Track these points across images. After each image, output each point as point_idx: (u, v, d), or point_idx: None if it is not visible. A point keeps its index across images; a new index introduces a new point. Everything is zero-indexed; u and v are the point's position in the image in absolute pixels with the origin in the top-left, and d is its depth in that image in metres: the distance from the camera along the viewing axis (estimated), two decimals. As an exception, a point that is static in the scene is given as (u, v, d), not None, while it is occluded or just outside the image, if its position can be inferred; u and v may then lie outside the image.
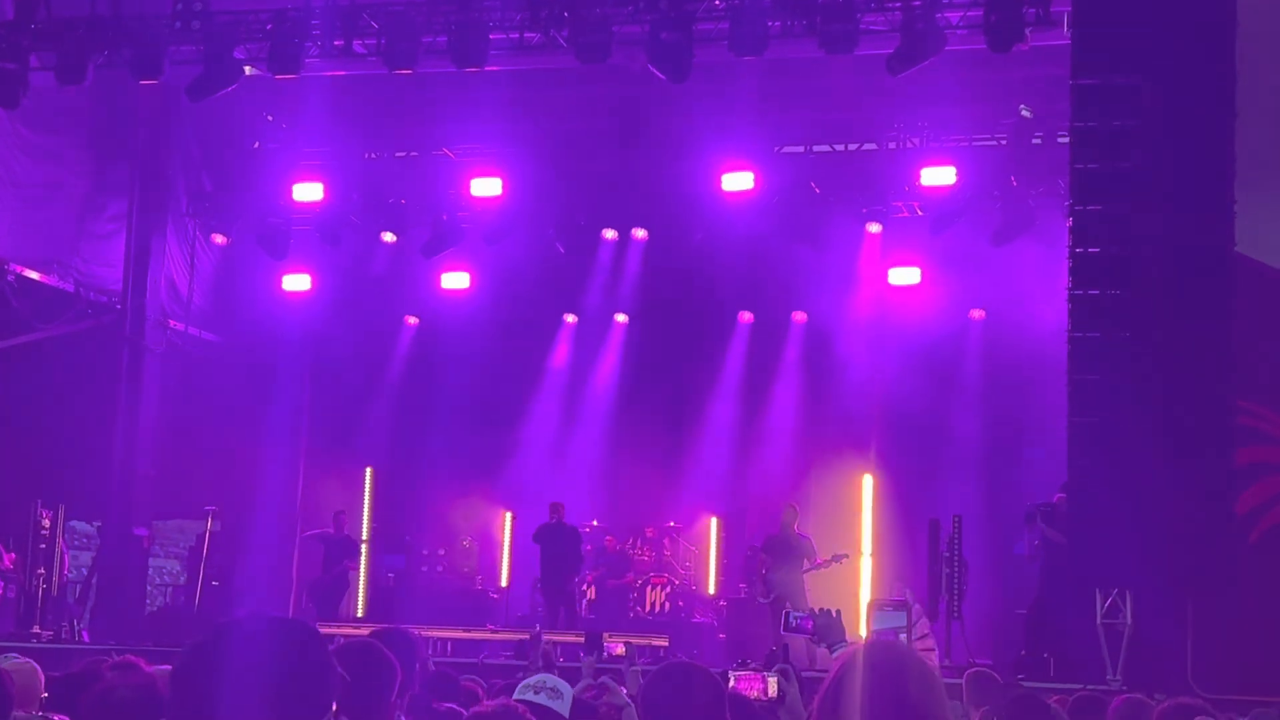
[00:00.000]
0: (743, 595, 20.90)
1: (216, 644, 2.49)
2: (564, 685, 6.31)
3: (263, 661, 2.45)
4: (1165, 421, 14.35)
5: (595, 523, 22.78)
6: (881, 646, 3.71)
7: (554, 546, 20.38)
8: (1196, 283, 14.57)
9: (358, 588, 23.44)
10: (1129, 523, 14.22)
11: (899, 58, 16.49)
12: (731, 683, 5.48)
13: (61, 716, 4.95)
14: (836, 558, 19.50)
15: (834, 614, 5.94)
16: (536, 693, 6.14)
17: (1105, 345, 14.65)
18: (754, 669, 6.00)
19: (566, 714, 6.18)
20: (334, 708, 2.51)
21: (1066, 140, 16.26)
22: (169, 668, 2.53)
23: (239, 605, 20.41)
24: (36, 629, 19.73)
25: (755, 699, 5.51)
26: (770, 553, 19.30)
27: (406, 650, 6.31)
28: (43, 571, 20.58)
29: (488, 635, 19.71)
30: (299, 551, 23.17)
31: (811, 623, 5.88)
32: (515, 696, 6.26)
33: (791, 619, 6.01)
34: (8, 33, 17.88)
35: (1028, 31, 16.25)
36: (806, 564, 19.27)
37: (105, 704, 4.49)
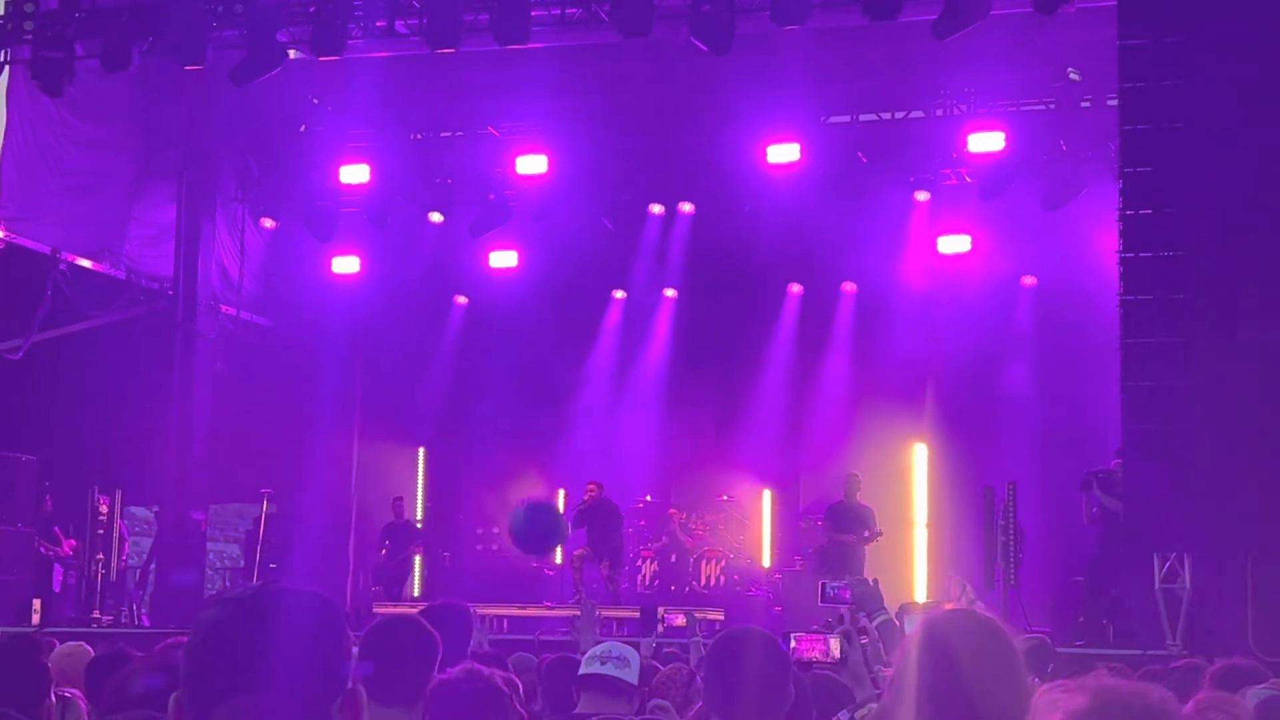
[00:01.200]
0: (798, 567, 20.86)
1: (230, 614, 2.47)
2: (631, 653, 6.26)
3: (276, 631, 2.42)
4: (1220, 383, 14.21)
5: (649, 498, 22.79)
6: (943, 618, 3.64)
7: (595, 523, 20.11)
8: (1249, 242, 14.40)
9: (413, 566, 23.54)
10: (1186, 486, 14.10)
11: (944, 22, 16.32)
12: (792, 644, 5.44)
13: (73, 690, 5.00)
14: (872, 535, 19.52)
15: (872, 582, 5.89)
16: (603, 663, 6.11)
17: (1158, 308, 14.51)
18: (815, 630, 5.96)
19: (635, 682, 6.15)
20: (349, 682, 2.48)
21: (1115, 103, 16.10)
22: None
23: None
24: (96, 614, 19.91)
25: (816, 660, 5.47)
26: (833, 520, 19.36)
27: (459, 624, 6.30)
28: (101, 557, 20.77)
29: (544, 612, 19.74)
30: (355, 533, 23.24)
31: (849, 591, 5.82)
32: (583, 670, 6.23)
33: (829, 589, 5.97)
34: (52, 22, 17.95)
35: (1074, -8, 16.07)
36: (866, 534, 19.27)
37: (125, 687, 4.49)
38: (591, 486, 20.02)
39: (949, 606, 5.83)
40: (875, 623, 5.55)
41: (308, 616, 2.46)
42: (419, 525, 23.50)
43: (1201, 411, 14.20)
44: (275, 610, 2.45)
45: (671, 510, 22.23)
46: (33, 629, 11.63)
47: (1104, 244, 16.88)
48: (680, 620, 16.43)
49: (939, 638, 3.47)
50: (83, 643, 7.04)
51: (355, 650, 4.53)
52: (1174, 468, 14.22)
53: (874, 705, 5.01)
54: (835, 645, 5.39)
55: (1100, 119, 19.31)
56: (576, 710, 6.18)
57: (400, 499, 22.67)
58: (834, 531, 19.31)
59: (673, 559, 21.93)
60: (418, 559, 23.29)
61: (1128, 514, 15.25)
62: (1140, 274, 14.65)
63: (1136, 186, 14.84)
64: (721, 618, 18.51)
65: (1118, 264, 14.87)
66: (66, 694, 5.47)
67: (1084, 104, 20.37)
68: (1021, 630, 15.60)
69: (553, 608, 19.94)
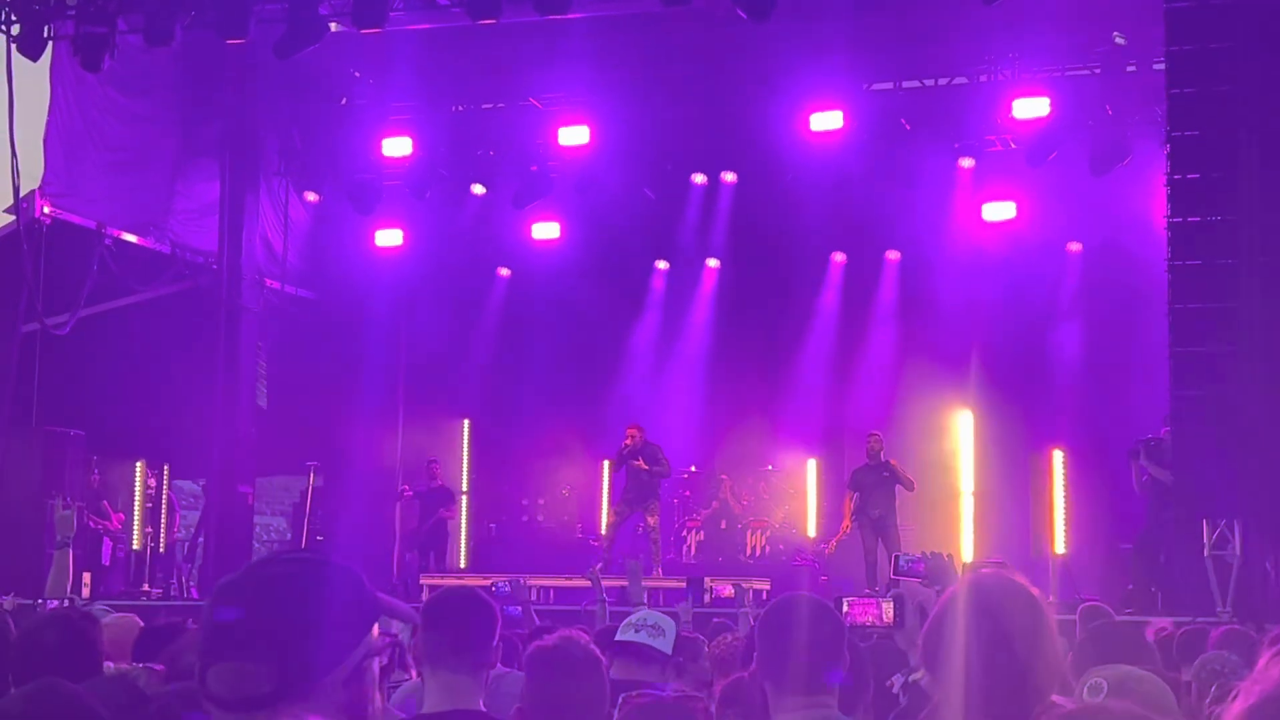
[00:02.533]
0: (843, 536, 20.82)
1: (244, 582, 2.54)
2: (666, 621, 6.26)
3: (276, 596, 2.50)
4: (1269, 348, 14.08)
5: (693, 468, 22.78)
6: (987, 580, 3.63)
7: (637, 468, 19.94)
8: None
9: (459, 538, 23.61)
10: (1235, 452, 13.99)
11: (988, -13, 16.20)
12: (845, 608, 5.41)
13: (158, 665, 5.02)
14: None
15: (946, 557, 5.77)
16: (638, 631, 6.12)
17: (1206, 273, 14.39)
18: (869, 594, 5.92)
19: (669, 651, 6.15)
20: (366, 650, 2.54)
21: (1162, 67, 15.94)
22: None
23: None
24: (146, 587, 20.08)
25: (870, 625, 5.45)
26: (857, 486, 19.11)
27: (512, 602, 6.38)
28: (150, 530, 20.93)
29: (589, 583, 19.74)
30: (401, 505, 23.31)
31: (923, 565, 5.76)
32: (618, 637, 6.23)
33: (902, 562, 5.91)
34: (95, -2, 18.01)
35: (1119, -45, 15.92)
36: (900, 490, 18.91)
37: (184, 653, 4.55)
38: (633, 430, 19.78)
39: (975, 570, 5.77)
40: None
41: (314, 585, 2.53)
42: (462, 493, 23.48)
43: (1250, 376, 14.07)
44: (281, 577, 2.54)
45: (723, 476, 22.21)
46: (83, 602, 11.73)
47: (1151, 209, 16.75)
48: (728, 591, 16.41)
49: (986, 604, 3.44)
50: (133, 614, 7.07)
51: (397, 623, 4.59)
52: (1223, 433, 14.11)
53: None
54: (888, 609, 5.37)
55: (1147, 83, 19.12)
56: (610, 676, 6.19)
57: (434, 461, 22.65)
58: (859, 496, 18.99)
59: (722, 525, 21.89)
60: (461, 527, 23.35)
61: (1177, 480, 15.13)
62: (1188, 239, 14.52)
63: (1184, 151, 14.69)
64: (768, 588, 18.49)
65: (1165, 229, 14.74)
66: (112, 666, 5.49)
67: (1130, 68, 20.18)
68: (1073, 598, 15.56)
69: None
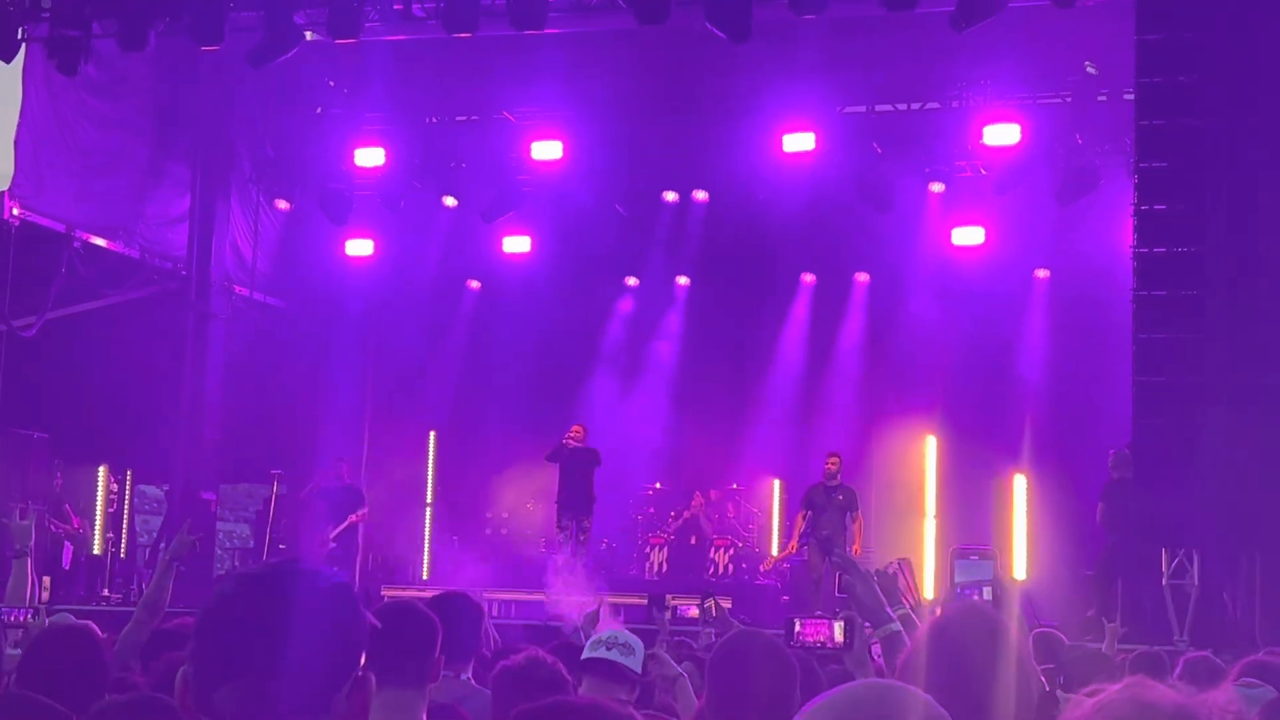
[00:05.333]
0: (805, 557, 20.84)
1: (241, 592, 2.45)
2: (635, 640, 6.28)
3: (286, 613, 2.40)
4: (1233, 379, 14.19)
5: (658, 485, 22.79)
6: (950, 619, 3.67)
7: (570, 468, 19.73)
8: (1264, 239, 14.38)
9: (422, 550, 23.55)
10: (1195, 482, 14.09)
11: (962, 14, 16.27)
12: (797, 628, 5.43)
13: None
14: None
15: (891, 572, 5.74)
16: (609, 649, 6.13)
17: (1171, 303, 14.50)
18: (819, 615, 5.94)
19: (639, 669, 6.16)
20: (362, 662, 2.47)
21: (1132, 98, 16.06)
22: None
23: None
24: (106, 592, 19.98)
25: (820, 645, 5.46)
26: (810, 505, 18.97)
27: (470, 613, 6.37)
28: (111, 535, 20.83)
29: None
30: (305, 500, 22.36)
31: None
32: (585, 654, 6.25)
33: (846, 580, 5.91)
34: (70, 0, 17.96)
35: (1092, -14, 16.03)
36: (849, 517, 18.71)
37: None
38: (576, 429, 19.54)
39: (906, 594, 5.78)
40: (877, 634, 5.39)
41: (320, 599, 2.43)
42: (362, 491, 21.68)
43: (1213, 408, 14.18)
44: (287, 591, 2.42)
45: (697, 492, 22.10)
46: (43, 606, 11.67)
47: (1118, 239, 16.86)
48: (693, 611, 16.37)
49: (947, 634, 3.49)
50: (90, 622, 7.06)
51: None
52: (1184, 464, 14.21)
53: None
54: (839, 630, 5.39)
55: (1116, 113, 19.28)
56: (579, 695, 6.20)
57: (343, 459, 21.23)
58: (810, 516, 18.83)
59: (692, 540, 21.81)
60: (425, 538, 23.24)
61: (1137, 509, 15.23)
62: (1154, 269, 14.64)
63: (1151, 181, 14.82)
64: (729, 606, 18.44)
65: (1132, 259, 14.85)
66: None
67: (1100, 98, 20.34)
68: (1031, 623, 15.62)
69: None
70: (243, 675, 2.37)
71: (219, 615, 2.43)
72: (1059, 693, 4.46)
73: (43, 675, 4.84)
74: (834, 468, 18.93)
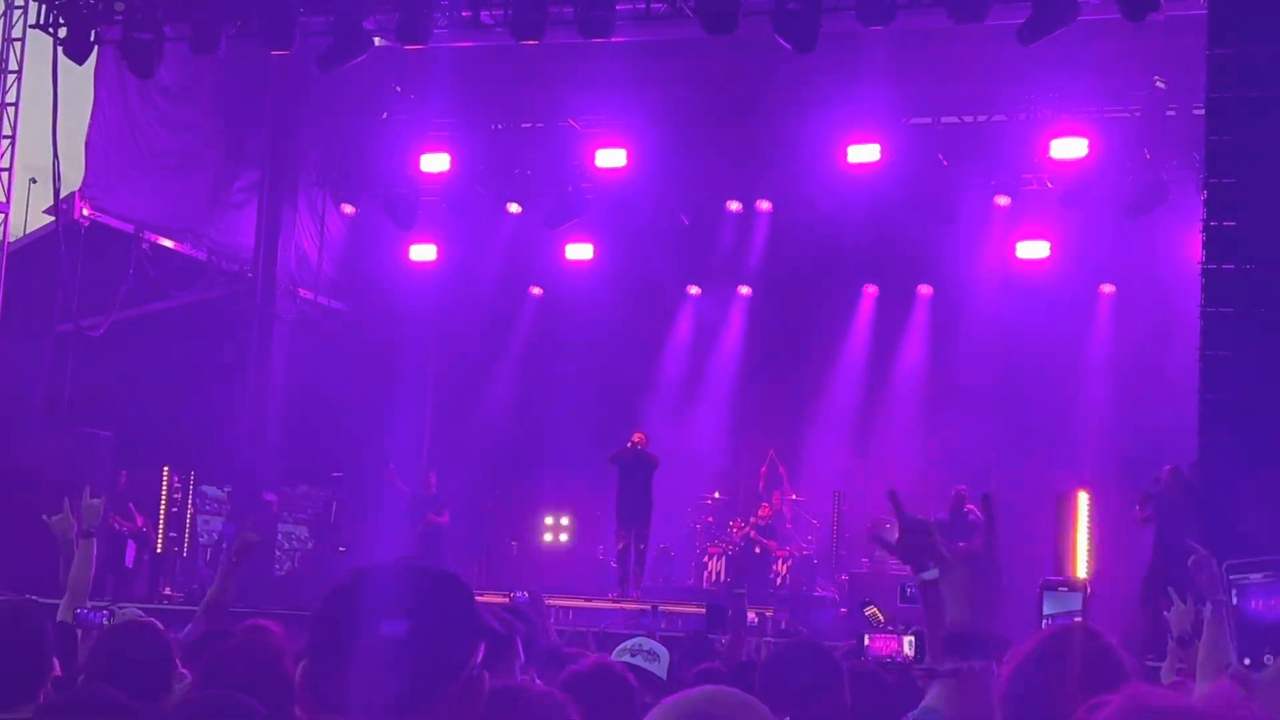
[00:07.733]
0: (865, 569, 20.77)
1: (357, 588, 2.51)
2: (660, 648, 6.32)
3: (401, 606, 2.47)
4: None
5: (717, 494, 22.76)
6: (1064, 631, 3.71)
7: (629, 472, 19.98)
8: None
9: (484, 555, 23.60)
10: (1261, 499, 13.95)
11: (1030, 27, 16.21)
12: (866, 643, 5.43)
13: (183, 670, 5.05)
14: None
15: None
16: (634, 655, 6.16)
17: (1239, 321, 14.36)
18: (889, 630, 5.96)
19: (664, 676, 6.19)
20: (478, 659, 2.52)
21: (1202, 113, 15.94)
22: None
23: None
24: (167, 590, 20.14)
25: (890, 659, 5.47)
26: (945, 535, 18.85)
27: (525, 618, 6.41)
28: (173, 534, 21.01)
29: (609, 605, 19.76)
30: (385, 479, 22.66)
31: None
32: (612, 658, 6.28)
33: (908, 590, 5.94)
34: (143, 4, 18.15)
35: (1162, 0, 15.92)
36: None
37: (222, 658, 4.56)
38: (639, 436, 19.80)
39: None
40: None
41: (433, 596, 2.51)
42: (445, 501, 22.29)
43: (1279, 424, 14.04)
44: (402, 587, 2.50)
45: (764, 504, 21.98)
46: (108, 603, 11.75)
47: (1186, 254, 16.73)
48: (752, 618, 16.35)
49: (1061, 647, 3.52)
50: (153, 618, 7.10)
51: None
52: (1250, 481, 14.07)
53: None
54: (908, 644, 5.40)
55: (1186, 128, 19.12)
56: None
57: (430, 469, 22.36)
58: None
59: (756, 550, 21.70)
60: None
61: (1204, 526, 15.08)
62: (1222, 286, 14.49)
63: (1221, 197, 14.67)
64: (787, 617, 18.46)
65: (1199, 275, 14.73)
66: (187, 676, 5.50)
67: (1169, 112, 20.19)
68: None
69: (619, 600, 19.95)
70: (355, 668, 2.43)
71: (334, 609, 2.50)
72: None
73: (110, 670, 4.89)
74: (960, 502, 18.91)
